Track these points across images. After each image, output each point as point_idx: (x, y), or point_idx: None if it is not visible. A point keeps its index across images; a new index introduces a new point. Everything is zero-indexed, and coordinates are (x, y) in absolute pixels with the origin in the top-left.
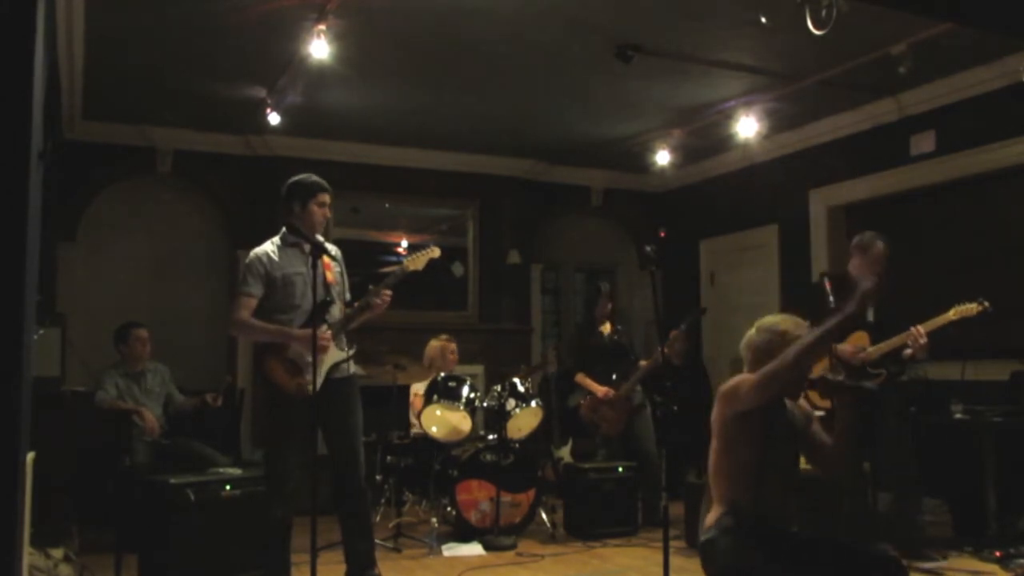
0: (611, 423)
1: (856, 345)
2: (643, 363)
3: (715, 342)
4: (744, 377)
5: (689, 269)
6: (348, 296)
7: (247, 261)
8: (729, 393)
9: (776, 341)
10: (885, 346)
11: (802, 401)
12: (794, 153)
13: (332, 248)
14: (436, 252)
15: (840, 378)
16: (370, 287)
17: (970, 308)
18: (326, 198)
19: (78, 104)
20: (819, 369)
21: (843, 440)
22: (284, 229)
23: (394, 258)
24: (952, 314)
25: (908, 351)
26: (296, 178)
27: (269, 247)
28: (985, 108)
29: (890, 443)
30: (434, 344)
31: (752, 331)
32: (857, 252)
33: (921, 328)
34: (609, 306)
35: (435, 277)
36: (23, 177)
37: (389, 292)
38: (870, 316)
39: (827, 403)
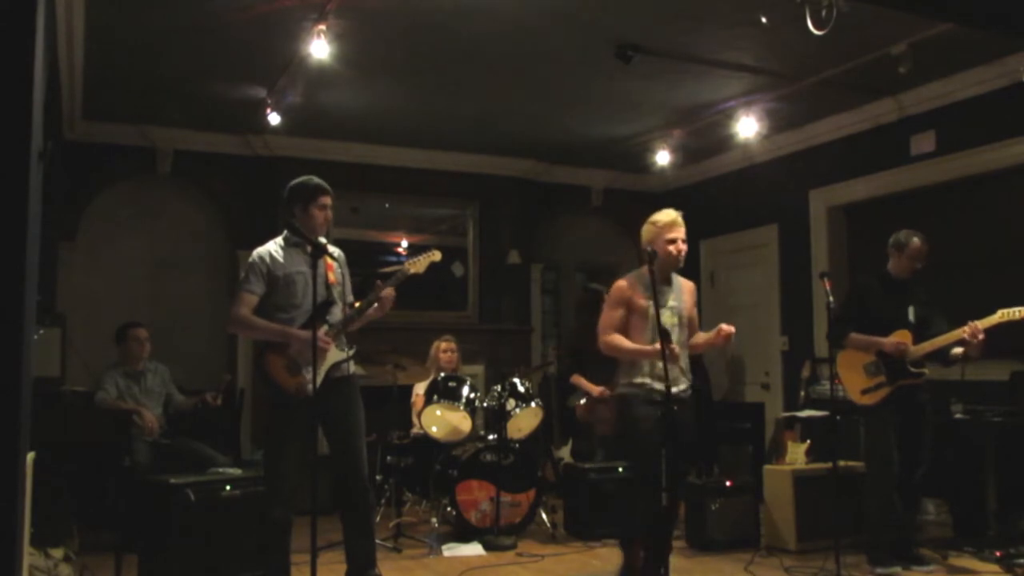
0: (606, 423)
1: (901, 341)
2: None
3: None
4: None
5: (689, 269)
6: (350, 297)
7: (250, 260)
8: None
9: (651, 231)
10: (939, 342)
11: None
12: (794, 153)
13: (334, 249)
14: (437, 255)
15: None
16: (377, 282)
17: (1014, 312)
18: (327, 200)
19: (78, 104)
20: (861, 362)
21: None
22: (286, 230)
23: (394, 258)
24: (998, 316)
25: (958, 349)
26: (297, 181)
27: (272, 246)
28: (985, 108)
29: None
30: (435, 344)
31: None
32: (894, 251)
33: (979, 324)
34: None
35: (435, 277)
36: (23, 177)
37: (391, 292)
38: (911, 316)
39: (866, 399)
